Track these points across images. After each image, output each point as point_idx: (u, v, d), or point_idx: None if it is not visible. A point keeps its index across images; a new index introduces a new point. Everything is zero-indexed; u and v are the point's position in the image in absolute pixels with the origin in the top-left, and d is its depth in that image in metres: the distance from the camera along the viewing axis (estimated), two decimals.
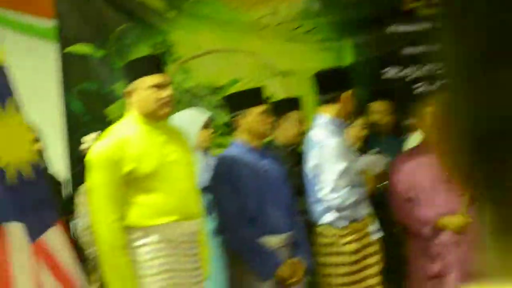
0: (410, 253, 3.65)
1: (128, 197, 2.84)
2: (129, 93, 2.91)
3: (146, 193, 2.85)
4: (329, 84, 3.49)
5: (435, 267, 3.45)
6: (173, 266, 2.85)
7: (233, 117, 3.37)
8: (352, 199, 3.34)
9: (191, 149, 3.11)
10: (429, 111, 3.43)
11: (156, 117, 2.90)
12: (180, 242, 2.89)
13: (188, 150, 3.03)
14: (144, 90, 2.89)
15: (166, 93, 2.88)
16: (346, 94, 3.44)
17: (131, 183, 2.83)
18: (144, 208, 2.85)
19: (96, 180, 2.78)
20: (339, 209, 3.33)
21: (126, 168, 2.80)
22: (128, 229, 2.83)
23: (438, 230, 3.54)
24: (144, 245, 2.83)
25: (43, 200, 2.66)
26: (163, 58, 3.14)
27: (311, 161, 3.38)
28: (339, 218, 3.35)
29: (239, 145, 3.38)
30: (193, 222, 2.92)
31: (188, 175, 2.96)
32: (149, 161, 2.85)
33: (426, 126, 3.52)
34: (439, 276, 3.45)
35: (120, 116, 3.26)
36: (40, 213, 2.59)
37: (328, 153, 3.37)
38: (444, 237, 3.51)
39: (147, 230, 2.83)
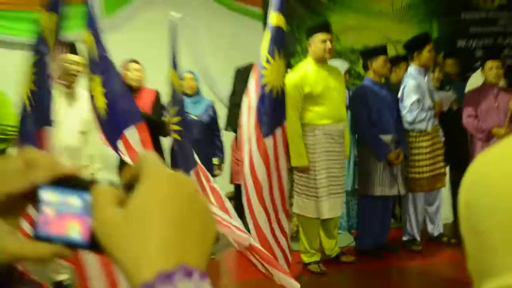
0: (473, 149, 4.85)
1: (305, 107, 4.24)
2: (309, 45, 4.32)
3: (315, 105, 4.23)
4: (413, 46, 4.72)
5: None
6: (329, 148, 4.29)
7: (366, 62, 4.67)
8: (420, 117, 4.52)
9: (343, 81, 4.54)
10: (490, 65, 4.79)
11: (322, 60, 4.29)
12: (334, 135, 4.29)
13: (341, 81, 4.47)
14: (316, 43, 4.22)
15: (329, 45, 4.22)
16: (422, 51, 4.62)
17: (307, 99, 4.23)
18: (314, 113, 4.24)
19: (288, 96, 3.99)
20: (412, 123, 4.57)
21: (305, 90, 4.22)
22: (304, 126, 4.24)
23: (490, 136, 4.75)
24: (313, 135, 4.25)
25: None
26: (329, 24, 4.38)
27: (400, 91, 4.72)
28: (414, 128, 4.61)
29: (368, 80, 4.71)
30: (341, 124, 4.37)
31: (341, 96, 4.39)
32: (318, 87, 4.24)
33: (488, 74, 4.77)
34: None
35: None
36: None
37: (408, 88, 4.63)
38: (494, 140, 4.71)
39: (315, 127, 4.23)
